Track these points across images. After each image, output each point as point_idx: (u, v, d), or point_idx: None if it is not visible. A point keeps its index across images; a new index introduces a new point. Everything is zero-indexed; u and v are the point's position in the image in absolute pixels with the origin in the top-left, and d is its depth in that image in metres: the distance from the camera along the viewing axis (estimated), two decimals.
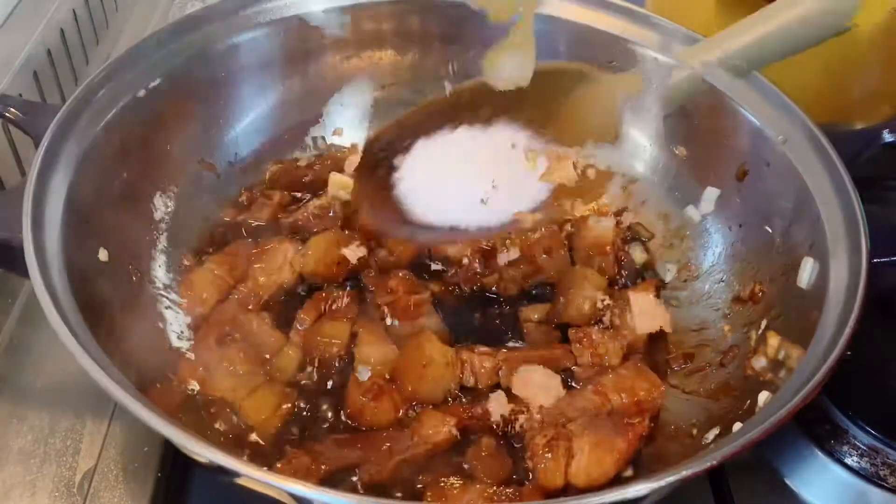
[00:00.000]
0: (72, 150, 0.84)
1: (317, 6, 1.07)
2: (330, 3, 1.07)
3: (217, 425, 0.84)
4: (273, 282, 0.96)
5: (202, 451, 0.60)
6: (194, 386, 0.86)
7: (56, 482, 0.83)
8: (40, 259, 0.73)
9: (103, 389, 0.64)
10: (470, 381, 0.89)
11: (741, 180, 0.99)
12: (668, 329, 0.95)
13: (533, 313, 0.98)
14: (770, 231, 0.94)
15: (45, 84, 1.10)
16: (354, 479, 0.80)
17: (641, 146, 1.10)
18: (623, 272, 1.04)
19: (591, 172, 1.04)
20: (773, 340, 0.84)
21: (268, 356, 0.90)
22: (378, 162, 0.93)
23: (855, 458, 0.85)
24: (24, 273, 0.72)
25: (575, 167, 1.00)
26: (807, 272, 0.84)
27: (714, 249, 1.03)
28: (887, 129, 0.94)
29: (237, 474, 0.60)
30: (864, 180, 0.84)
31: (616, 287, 1.03)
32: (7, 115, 0.89)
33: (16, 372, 0.92)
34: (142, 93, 0.94)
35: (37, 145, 0.82)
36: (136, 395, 0.64)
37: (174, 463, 0.86)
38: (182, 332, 0.92)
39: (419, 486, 0.80)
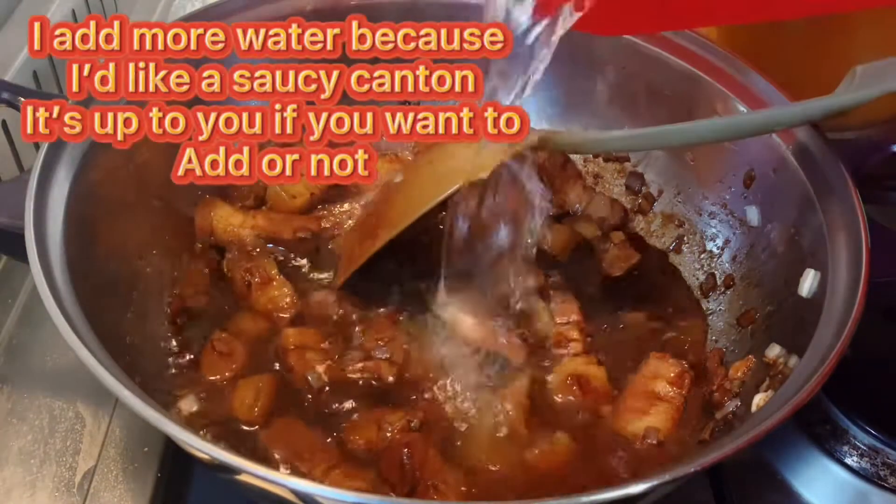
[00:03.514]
0: None
1: (321, 4, 1.06)
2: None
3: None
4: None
5: (204, 448, 0.60)
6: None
7: (56, 482, 0.83)
8: (40, 245, 0.73)
9: (101, 382, 0.64)
10: None
11: (748, 187, 0.99)
12: None
13: None
14: (774, 237, 0.94)
15: (45, 84, 1.10)
16: None
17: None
18: None
19: None
20: (774, 346, 0.84)
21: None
22: None
23: (855, 458, 0.85)
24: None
25: None
26: (808, 281, 0.83)
27: (718, 254, 1.03)
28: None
29: (239, 471, 0.60)
30: (865, 180, 0.84)
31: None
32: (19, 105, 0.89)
33: (16, 372, 0.92)
34: None
35: None
36: (135, 391, 0.64)
37: (174, 463, 0.86)
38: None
39: None
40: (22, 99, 0.86)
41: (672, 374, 0.89)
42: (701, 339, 0.97)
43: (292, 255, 1.00)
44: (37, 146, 0.83)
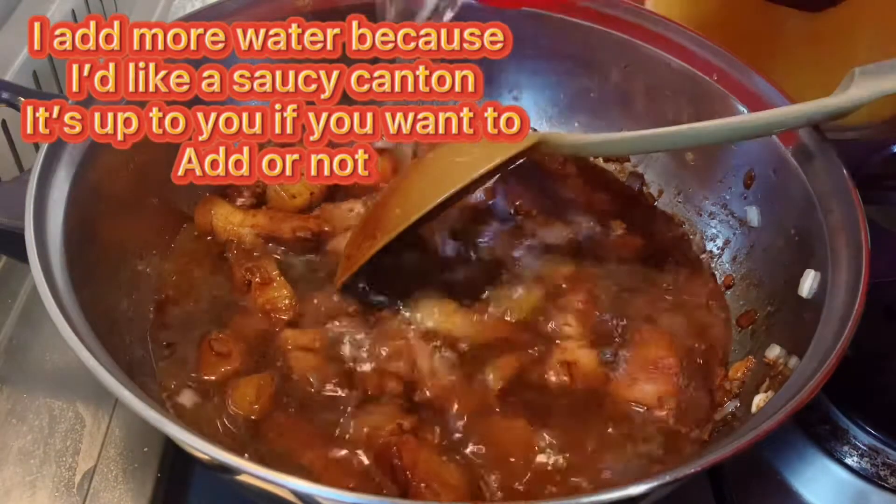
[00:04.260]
0: None
1: (321, 4, 1.06)
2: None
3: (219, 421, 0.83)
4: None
5: (204, 448, 0.60)
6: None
7: (56, 482, 0.83)
8: (40, 245, 0.73)
9: (101, 382, 0.64)
10: None
11: (748, 187, 0.99)
12: None
13: None
14: (774, 237, 0.94)
15: (45, 84, 1.10)
16: None
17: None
18: None
19: None
20: (774, 347, 0.84)
21: None
22: None
23: (855, 458, 0.85)
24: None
25: None
26: (808, 282, 0.83)
27: (718, 254, 1.03)
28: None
29: (239, 471, 0.60)
30: (865, 180, 0.84)
31: None
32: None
33: (16, 372, 0.92)
34: None
35: None
36: (135, 391, 0.64)
37: (174, 463, 0.86)
38: None
39: None
40: (22, 99, 0.85)
41: (663, 342, 0.90)
42: (720, 323, 0.96)
43: (292, 255, 1.00)
44: (37, 146, 0.83)
